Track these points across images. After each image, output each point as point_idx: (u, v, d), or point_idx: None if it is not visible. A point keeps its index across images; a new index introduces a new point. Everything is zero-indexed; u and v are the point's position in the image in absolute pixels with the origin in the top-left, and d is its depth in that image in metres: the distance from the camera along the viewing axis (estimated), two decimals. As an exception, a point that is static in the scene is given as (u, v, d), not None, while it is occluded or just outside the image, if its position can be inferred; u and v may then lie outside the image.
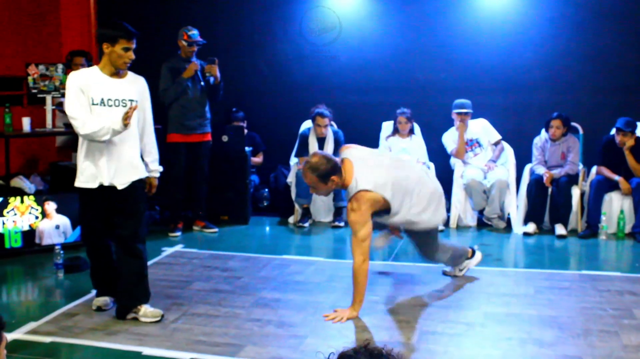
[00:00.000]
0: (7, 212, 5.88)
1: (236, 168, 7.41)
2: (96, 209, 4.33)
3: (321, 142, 7.32)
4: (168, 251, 6.16)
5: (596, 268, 5.64)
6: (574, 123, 7.21)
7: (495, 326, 4.27)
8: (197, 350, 3.88)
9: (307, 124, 7.63)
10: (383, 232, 5.32)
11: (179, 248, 6.30)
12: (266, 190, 7.99)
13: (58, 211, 6.09)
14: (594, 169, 7.08)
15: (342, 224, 7.23)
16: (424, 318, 4.36)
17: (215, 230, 7.01)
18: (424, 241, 4.89)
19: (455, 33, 7.69)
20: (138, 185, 4.36)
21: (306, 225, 7.32)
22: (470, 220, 7.29)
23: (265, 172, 8.08)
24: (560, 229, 6.77)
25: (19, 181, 6.59)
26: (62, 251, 5.41)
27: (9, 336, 3.90)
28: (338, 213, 7.40)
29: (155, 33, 7.68)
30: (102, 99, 4.18)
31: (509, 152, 7.42)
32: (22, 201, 5.95)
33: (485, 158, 7.36)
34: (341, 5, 7.96)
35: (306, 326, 4.27)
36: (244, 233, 7.07)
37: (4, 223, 5.87)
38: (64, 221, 6.12)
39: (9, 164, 6.64)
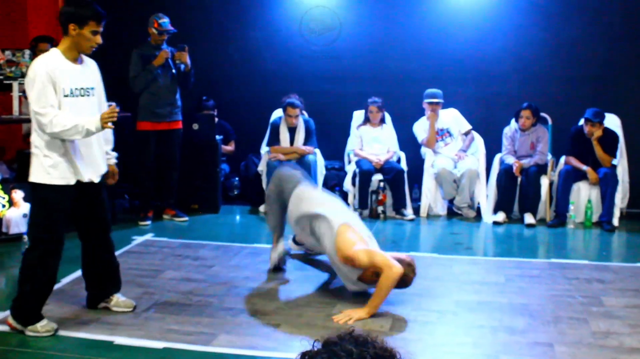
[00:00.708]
0: (-27, 200, 5.78)
1: (206, 157, 7.35)
2: (67, 207, 3.95)
3: (292, 131, 7.28)
4: (138, 239, 6.10)
5: (565, 257, 5.72)
6: (543, 114, 7.28)
7: (467, 314, 4.31)
8: (170, 339, 3.85)
9: (278, 113, 7.58)
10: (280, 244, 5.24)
11: (149, 236, 6.25)
12: (236, 178, 7.93)
13: (25, 199, 5.98)
14: (562, 159, 7.16)
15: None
16: (396, 306, 4.37)
17: (186, 218, 6.95)
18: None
19: (427, 23, 7.71)
20: (103, 176, 4.21)
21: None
22: (441, 209, 7.33)
23: (236, 160, 8.03)
24: (529, 218, 6.84)
25: (-15, 169, 6.47)
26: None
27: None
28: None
29: (127, 16, 7.55)
30: (72, 89, 3.85)
31: (479, 141, 7.48)
32: (-12, 190, 5.85)
33: (456, 147, 7.40)
34: (314, -6, 7.93)
35: (279, 315, 4.26)
36: (214, 221, 7.03)
37: (-31, 212, 5.76)
38: (31, 209, 6.01)
39: (-25, 152, 6.50)
